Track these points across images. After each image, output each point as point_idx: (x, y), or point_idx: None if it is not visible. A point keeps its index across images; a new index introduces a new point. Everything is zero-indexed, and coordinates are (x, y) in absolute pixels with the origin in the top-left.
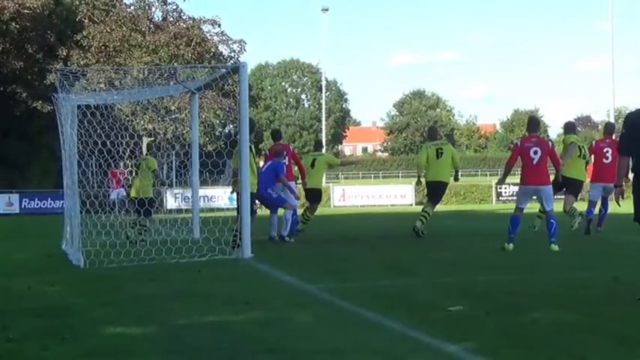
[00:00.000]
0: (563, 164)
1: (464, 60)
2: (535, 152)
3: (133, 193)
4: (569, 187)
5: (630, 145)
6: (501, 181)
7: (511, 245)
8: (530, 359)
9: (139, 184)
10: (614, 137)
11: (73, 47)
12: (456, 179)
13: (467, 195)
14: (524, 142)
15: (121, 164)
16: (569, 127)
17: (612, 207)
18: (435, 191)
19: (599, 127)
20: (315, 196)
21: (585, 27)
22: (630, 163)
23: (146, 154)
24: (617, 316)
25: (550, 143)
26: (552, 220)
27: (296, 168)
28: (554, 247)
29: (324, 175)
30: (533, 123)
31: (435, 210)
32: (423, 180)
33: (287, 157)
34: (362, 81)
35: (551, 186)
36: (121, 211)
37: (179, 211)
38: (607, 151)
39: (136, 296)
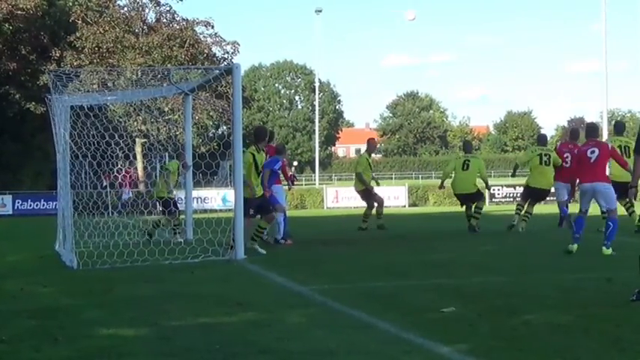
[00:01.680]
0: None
1: (457, 61)
2: (592, 152)
3: (156, 193)
4: (533, 195)
5: None
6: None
7: (575, 246)
8: None
9: (160, 184)
10: (577, 143)
11: (66, 48)
12: (488, 188)
13: None
14: (582, 147)
15: (119, 163)
16: (540, 139)
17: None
18: (464, 200)
19: None
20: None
21: (579, 29)
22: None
23: (172, 158)
24: (611, 317)
25: (610, 145)
26: (610, 223)
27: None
28: (606, 251)
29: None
30: (590, 129)
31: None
32: (446, 185)
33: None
34: (355, 82)
35: (609, 185)
36: (115, 211)
37: (166, 212)
38: (567, 157)
39: (129, 297)
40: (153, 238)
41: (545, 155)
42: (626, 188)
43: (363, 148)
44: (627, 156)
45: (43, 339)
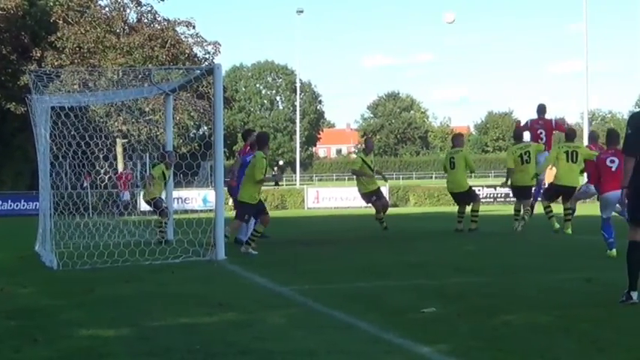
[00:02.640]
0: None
1: (438, 62)
2: (612, 161)
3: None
4: (519, 194)
5: (636, 145)
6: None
7: (614, 250)
8: None
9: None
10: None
11: (47, 48)
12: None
13: (440, 197)
14: (600, 155)
15: (98, 164)
16: (516, 135)
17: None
18: (457, 199)
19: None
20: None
21: (560, 29)
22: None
23: (158, 162)
24: (591, 317)
25: None
26: None
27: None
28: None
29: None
30: (611, 137)
31: (478, 208)
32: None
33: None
34: (336, 83)
35: None
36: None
37: (152, 212)
38: (540, 133)
39: (109, 298)
40: (165, 240)
41: (525, 154)
42: (571, 192)
43: (344, 148)
44: (573, 161)
45: (23, 339)
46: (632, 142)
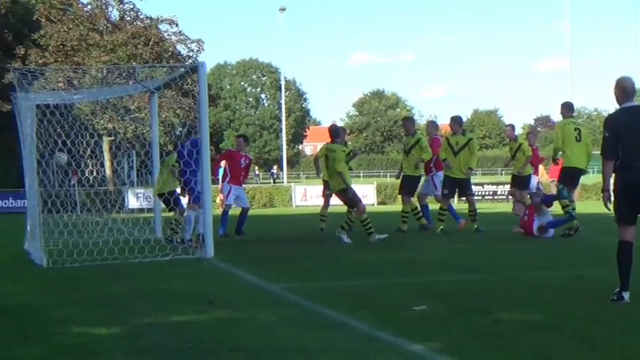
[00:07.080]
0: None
1: (424, 60)
2: None
3: (156, 190)
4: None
5: (616, 147)
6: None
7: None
8: (494, 359)
9: (161, 180)
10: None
11: (30, 46)
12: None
13: None
14: None
15: (83, 162)
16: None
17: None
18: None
19: None
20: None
21: (545, 28)
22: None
23: (171, 151)
24: (582, 315)
25: None
26: None
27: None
28: None
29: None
30: None
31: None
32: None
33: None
34: (321, 81)
35: None
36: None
37: (141, 210)
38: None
39: (99, 296)
40: (175, 239)
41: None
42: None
43: None
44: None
45: (14, 337)
46: (610, 146)
